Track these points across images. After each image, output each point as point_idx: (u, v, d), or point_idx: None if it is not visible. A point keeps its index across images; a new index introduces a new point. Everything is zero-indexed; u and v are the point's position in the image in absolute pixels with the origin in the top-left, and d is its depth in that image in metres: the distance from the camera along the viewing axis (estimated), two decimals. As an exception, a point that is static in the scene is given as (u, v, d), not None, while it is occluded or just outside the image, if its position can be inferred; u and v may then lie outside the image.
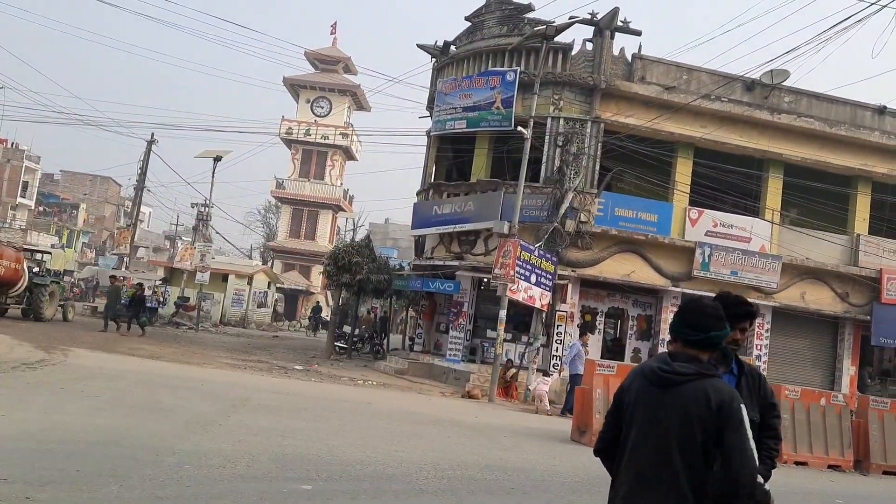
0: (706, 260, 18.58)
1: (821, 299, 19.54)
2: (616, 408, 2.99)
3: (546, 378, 16.16)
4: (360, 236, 39.99)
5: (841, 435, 12.10)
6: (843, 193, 20.28)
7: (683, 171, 19.16)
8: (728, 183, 18.93)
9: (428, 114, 22.50)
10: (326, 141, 46.76)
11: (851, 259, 19.93)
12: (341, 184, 49.60)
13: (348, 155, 50.22)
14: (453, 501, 6.68)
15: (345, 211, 50.84)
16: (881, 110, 19.92)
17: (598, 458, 3.07)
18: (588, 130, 18.38)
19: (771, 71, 18.61)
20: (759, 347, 19.40)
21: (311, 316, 39.64)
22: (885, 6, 10.59)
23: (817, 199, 19.62)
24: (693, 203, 19.17)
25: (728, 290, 3.82)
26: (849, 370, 20.04)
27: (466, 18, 20.55)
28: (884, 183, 20.34)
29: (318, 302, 42.21)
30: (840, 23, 11.21)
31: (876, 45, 12.95)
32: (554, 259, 17.38)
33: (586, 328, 18.64)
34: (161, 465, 6.29)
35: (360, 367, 20.42)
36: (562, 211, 17.59)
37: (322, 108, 47.94)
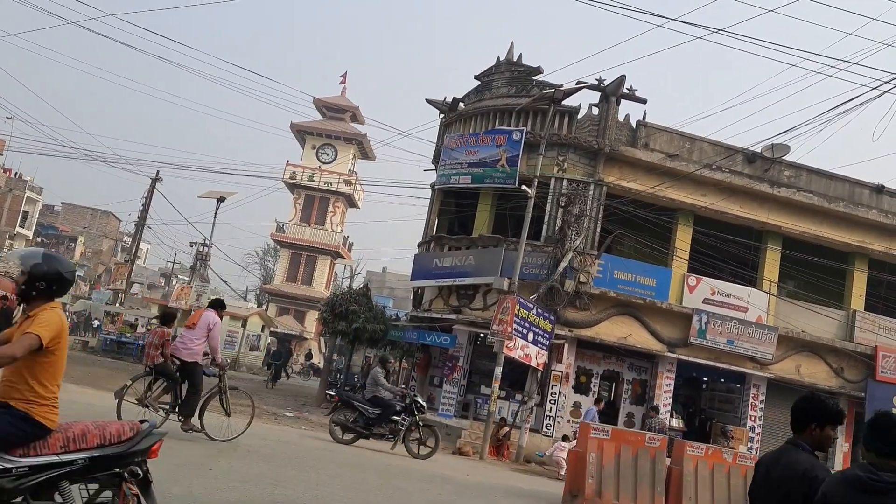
0: (703, 327, 18.60)
1: (816, 373, 19.51)
2: None
3: (563, 444, 15.77)
4: (357, 284, 39.57)
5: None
6: (841, 269, 20.44)
7: (683, 238, 19.34)
8: (727, 252, 19.09)
9: (433, 167, 22.79)
10: (329, 188, 47.18)
11: (847, 335, 19.97)
12: (341, 231, 49.84)
13: (350, 202, 50.58)
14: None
15: (343, 258, 50.96)
16: (879, 189, 20.23)
17: None
18: (591, 192, 18.62)
19: (772, 145, 18.96)
20: (752, 419, 19.29)
21: (269, 361, 30.32)
22: (887, 91, 10.89)
23: (815, 272, 19.76)
24: (692, 270, 19.30)
25: (813, 391, 4.06)
26: (842, 447, 19.88)
27: (476, 77, 21.01)
28: (881, 261, 20.53)
29: (297, 349, 41.64)
30: (842, 104, 11.51)
31: (876, 130, 13.26)
32: (552, 318, 17.40)
33: (601, 395, 18.66)
34: (152, 507, 6.20)
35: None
36: (560, 269, 17.68)
37: (327, 154, 48.51)
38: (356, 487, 9.12)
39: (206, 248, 35.09)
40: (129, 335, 28.33)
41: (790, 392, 19.51)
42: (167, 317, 11.52)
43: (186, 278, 42.40)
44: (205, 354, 10.63)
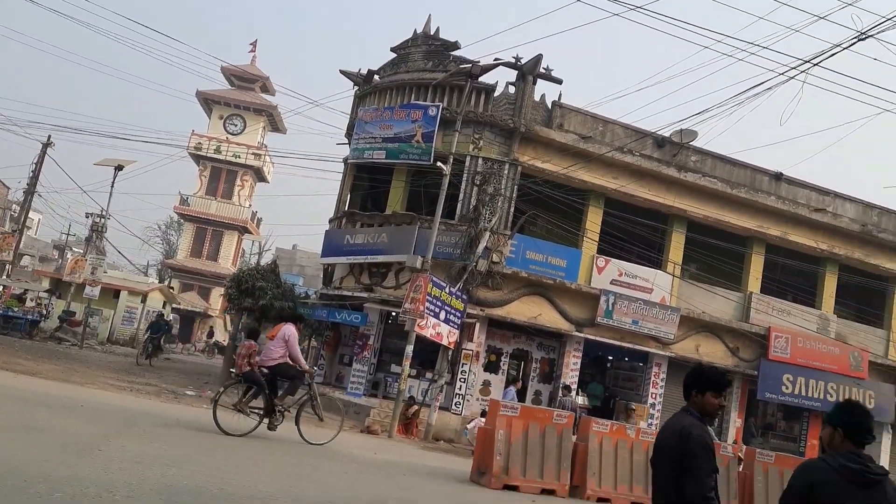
0: (610, 308, 18.98)
1: (713, 352, 20.27)
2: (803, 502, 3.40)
3: (482, 420, 15.67)
4: (265, 261, 38.43)
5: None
6: (740, 252, 21.27)
7: (594, 220, 19.64)
8: (635, 234, 19.52)
9: (346, 141, 22.28)
10: (237, 160, 45.64)
11: (743, 316, 20.83)
12: (250, 205, 48.42)
13: (259, 176, 49.16)
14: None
15: (251, 233, 49.57)
16: (778, 176, 21.10)
17: None
18: (506, 172, 18.60)
19: (680, 130, 19.41)
20: (653, 396, 19.90)
21: (148, 336, 25.10)
22: (792, 77, 11.23)
23: (716, 255, 20.49)
24: (601, 251, 19.64)
25: (701, 362, 4.32)
26: (735, 422, 20.81)
27: (392, 49, 20.58)
28: (777, 245, 21.47)
29: (200, 327, 40.33)
30: (751, 88, 11.80)
31: (784, 114, 13.70)
32: (464, 297, 17.35)
33: (516, 375, 18.80)
34: (28, 492, 5.69)
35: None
36: (479, 251, 17.63)
37: (235, 125, 46.91)
38: (258, 466, 8.75)
39: (102, 220, 33.29)
40: (16, 309, 26.58)
41: (688, 370, 20.27)
42: (253, 332, 12.66)
43: (81, 251, 40.22)
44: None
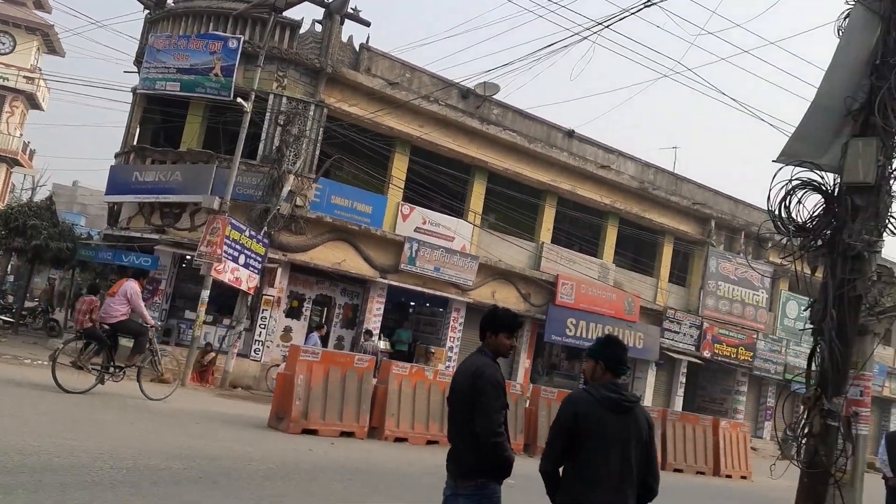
0: (413, 255, 19.31)
1: (508, 298, 21.38)
2: (569, 432, 3.64)
3: None
4: (40, 197, 34.63)
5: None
6: (534, 204, 22.46)
7: (400, 167, 19.74)
8: (439, 183, 19.90)
9: (136, 69, 20.44)
10: (6, 83, 40.42)
11: (535, 264, 22.13)
12: (21, 135, 43.24)
13: (32, 103, 43.94)
14: (131, 493, 5.97)
15: (23, 166, 44.41)
16: (570, 133, 22.41)
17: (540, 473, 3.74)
18: (311, 113, 18.07)
19: (484, 83, 19.92)
20: (452, 339, 20.68)
21: None
22: (586, 38, 11.85)
23: (513, 206, 21.49)
24: (406, 199, 19.83)
25: (496, 305, 4.50)
26: (524, 363, 22.25)
27: (190, -26, 19.02)
28: (567, 199, 22.92)
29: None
30: (549, 45, 12.30)
31: (574, 70, 14.47)
32: (265, 241, 16.79)
33: (319, 320, 18.56)
34: None
35: (29, 344, 17.84)
36: (283, 194, 17.06)
37: (3, 44, 41.41)
38: (30, 421, 7.95)
39: None
40: None
41: (485, 315, 21.28)
42: (93, 287, 12.48)
43: None
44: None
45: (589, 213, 23.55)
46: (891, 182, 5.48)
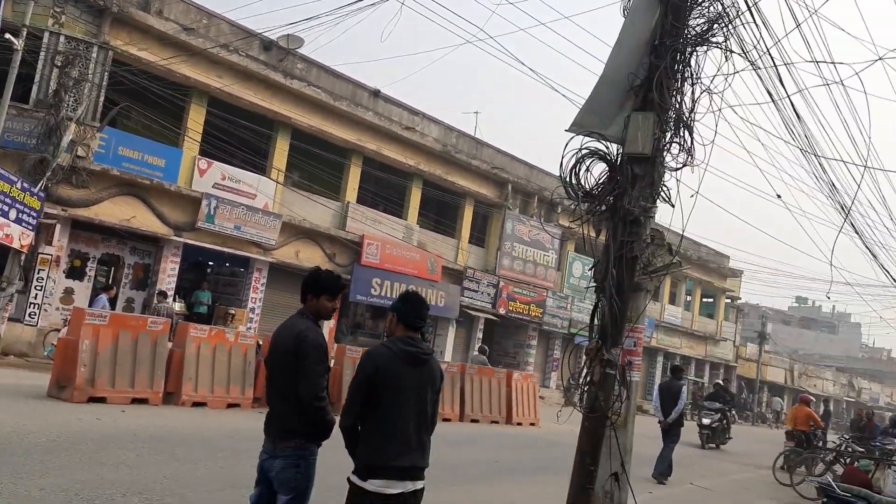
0: (212, 212, 18.44)
1: (312, 258, 21.15)
2: (370, 386, 3.71)
3: None
4: None
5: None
6: (340, 163, 22.27)
7: (196, 119, 18.64)
8: (239, 138, 19.08)
9: None
10: None
11: (341, 224, 22.04)
12: None
13: None
14: None
15: None
16: (376, 93, 22.38)
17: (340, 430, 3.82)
18: (94, 56, 16.47)
19: (287, 35, 19.28)
20: (253, 301, 20.13)
21: None
22: (394, -3, 11.81)
23: (318, 165, 21.16)
24: (203, 153, 18.82)
25: (319, 267, 4.60)
26: (329, 322, 22.21)
27: None
28: (373, 159, 22.97)
29: None
30: (355, 2, 12.13)
31: (384, 32, 14.41)
32: (41, 195, 15.20)
33: (107, 281, 17.08)
34: None
35: None
36: (64, 143, 15.45)
37: None
38: None
39: None
40: None
41: (289, 275, 20.91)
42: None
43: None
44: None
45: (394, 174, 23.79)
46: (664, 154, 6.06)
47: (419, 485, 3.78)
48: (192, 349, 11.87)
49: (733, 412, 19.15)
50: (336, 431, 4.00)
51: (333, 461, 4.41)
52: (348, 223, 22.08)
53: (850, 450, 16.10)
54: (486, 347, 20.93)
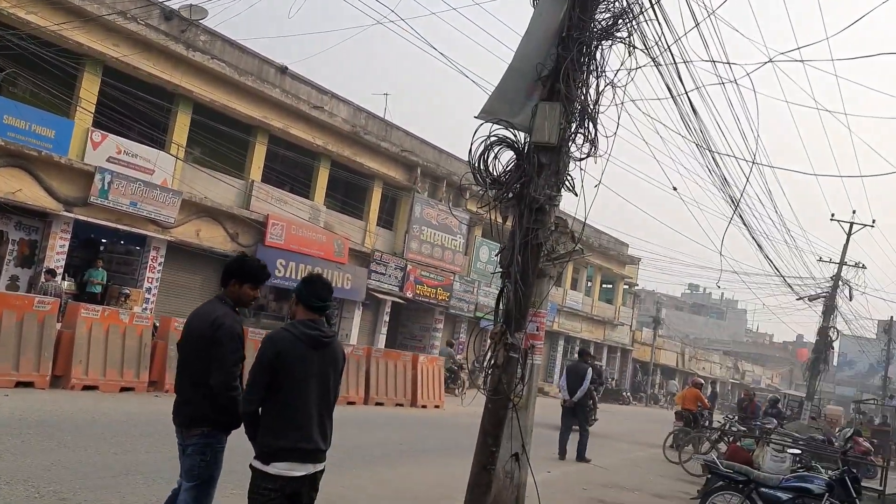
0: (106, 187, 17.58)
1: (214, 237, 20.55)
2: (272, 370, 3.66)
3: None
4: None
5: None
6: (244, 140, 21.66)
7: (90, 89, 17.68)
8: (137, 110, 18.24)
9: None
10: None
11: (244, 203, 21.47)
12: None
13: None
14: None
15: None
16: (283, 70, 21.84)
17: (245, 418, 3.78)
18: (-24, 16, 15.34)
19: (190, 5, 18.57)
20: (150, 280, 19.38)
21: None
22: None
23: (221, 141, 20.51)
24: (97, 125, 17.89)
25: (244, 253, 4.57)
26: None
27: None
28: (279, 137, 22.45)
29: None
30: (265, -24, 11.79)
31: (292, 9, 14.07)
32: (-87, 163, 14.09)
33: None
34: None
35: None
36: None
37: None
38: None
39: None
40: None
41: (189, 255, 20.28)
42: None
43: None
44: None
45: (301, 154, 23.35)
46: (569, 144, 6.21)
47: (319, 467, 3.82)
48: (83, 331, 11.35)
49: (600, 390, 19.71)
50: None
51: (235, 444, 4.33)
52: (252, 202, 21.53)
53: (733, 429, 17.10)
54: (453, 342, 20.74)
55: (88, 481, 6.31)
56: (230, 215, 20.90)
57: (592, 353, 16.14)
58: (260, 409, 3.75)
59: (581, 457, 13.24)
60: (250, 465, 3.73)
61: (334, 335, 3.98)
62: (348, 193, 26.26)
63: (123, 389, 11.65)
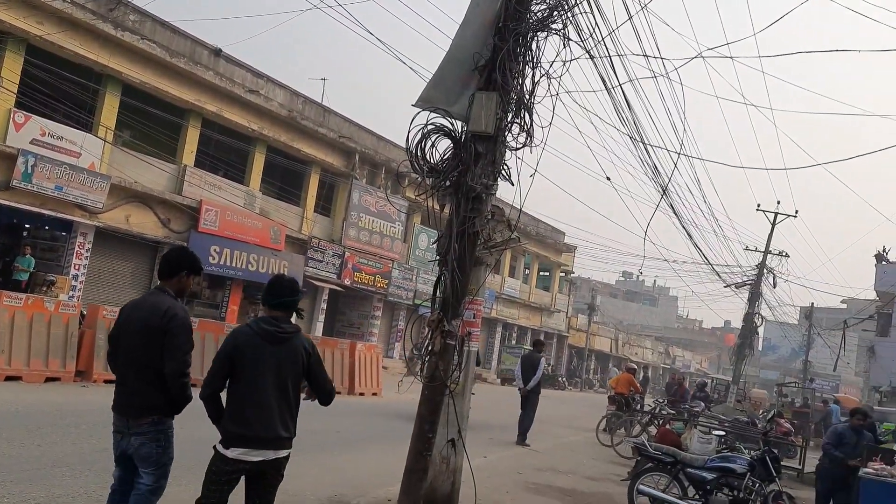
0: (29, 170, 16.90)
1: (145, 223, 20.00)
2: (230, 362, 4.02)
3: None
4: None
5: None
6: (176, 124, 21.09)
7: (12, 69, 16.93)
8: (63, 91, 17.57)
9: None
10: None
11: (177, 188, 20.94)
12: None
13: None
14: None
15: None
16: (217, 52, 21.33)
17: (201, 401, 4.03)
18: None
19: (120, -17, 17.92)
20: (77, 267, 18.74)
21: None
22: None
23: (152, 124, 19.93)
24: (20, 106, 17.16)
25: (185, 247, 4.75)
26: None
27: None
28: (213, 121, 21.93)
29: None
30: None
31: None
32: None
33: None
34: None
35: None
36: None
37: None
38: None
39: None
40: None
41: (118, 241, 19.70)
42: None
43: None
44: None
45: (236, 139, 22.89)
46: (506, 133, 6.27)
47: (282, 453, 4.11)
48: (6, 319, 10.92)
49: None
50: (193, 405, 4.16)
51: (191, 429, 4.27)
52: (185, 187, 21.02)
53: (663, 412, 17.63)
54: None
55: (12, 474, 6.11)
56: (162, 200, 20.36)
57: (544, 341, 16.63)
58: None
59: (522, 439, 13.73)
60: (214, 447, 4.04)
61: (295, 331, 4.19)
62: (285, 179, 25.89)
63: (49, 380, 11.28)
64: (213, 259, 21.62)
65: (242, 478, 4.09)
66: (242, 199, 22.90)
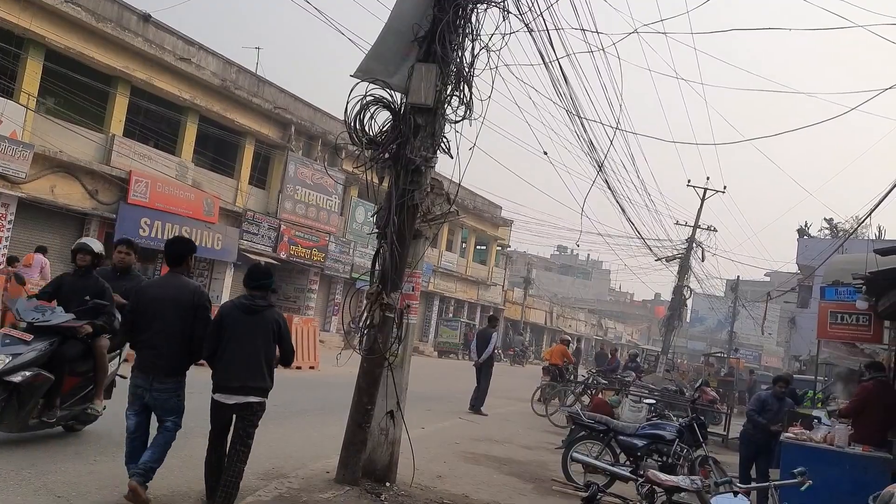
0: (-56, 138, 16.04)
1: (71, 194, 19.27)
2: (219, 328, 5.34)
3: None
4: None
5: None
6: (104, 91, 20.29)
7: (-78, 28, 15.97)
8: (-21, 54, 16.68)
9: None
10: None
11: (105, 158, 20.20)
12: None
13: None
14: None
15: None
16: (146, 18, 20.54)
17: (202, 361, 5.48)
18: None
19: (41, -58, 17.03)
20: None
21: None
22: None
23: (77, 91, 19.13)
24: (-68, 68, 16.23)
25: (181, 236, 5.29)
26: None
27: None
28: (142, 89, 21.17)
29: None
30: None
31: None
32: None
33: None
34: None
35: None
36: None
37: None
38: None
39: None
40: None
41: (43, 212, 18.95)
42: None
43: None
44: None
45: (167, 108, 22.16)
46: (445, 106, 6.27)
47: (252, 398, 5.31)
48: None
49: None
50: None
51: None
52: (113, 157, 20.29)
53: (595, 382, 18.11)
54: None
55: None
56: (89, 171, 19.62)
57: (497, 317, 17.61)
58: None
59: (476, 408, 14.65)
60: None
61: (266, 306, 5.41)
62: (219, 151, 25.25)
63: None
64: (144, 232, 20.99)
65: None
66: (174, 170, 22.26)
